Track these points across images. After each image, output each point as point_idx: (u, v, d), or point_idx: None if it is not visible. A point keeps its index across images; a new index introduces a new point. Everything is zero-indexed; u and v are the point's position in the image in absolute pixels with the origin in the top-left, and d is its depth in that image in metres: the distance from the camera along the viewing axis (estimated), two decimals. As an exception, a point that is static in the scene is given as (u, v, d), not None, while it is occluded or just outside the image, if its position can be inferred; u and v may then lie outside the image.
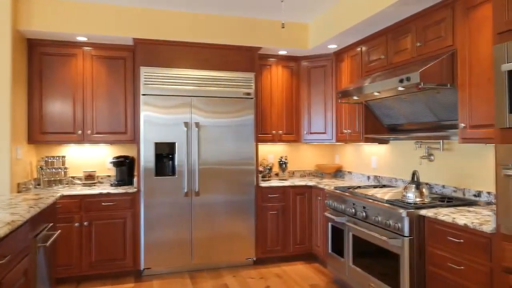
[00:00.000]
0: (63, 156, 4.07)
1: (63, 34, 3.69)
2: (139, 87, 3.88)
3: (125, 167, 4.12)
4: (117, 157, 4.11)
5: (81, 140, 3.95)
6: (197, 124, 4.01)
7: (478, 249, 2.19)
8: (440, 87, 2.70)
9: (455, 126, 2.95)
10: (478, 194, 2.91)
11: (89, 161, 4.27)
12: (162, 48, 3.95)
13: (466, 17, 2.59)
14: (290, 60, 4.59)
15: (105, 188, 3.85)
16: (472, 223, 2.21)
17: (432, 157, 3.39)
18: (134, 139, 4.09)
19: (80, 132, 3.94)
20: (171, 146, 3.96)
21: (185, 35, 3.96)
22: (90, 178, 4.14)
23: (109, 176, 4.32)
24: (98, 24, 3.73)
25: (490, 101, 2.40)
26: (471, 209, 2.64)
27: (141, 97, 3.86)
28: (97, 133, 3.99)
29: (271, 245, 4.23)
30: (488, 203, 2.81)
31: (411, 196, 2.85)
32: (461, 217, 2.36)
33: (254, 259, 4.20)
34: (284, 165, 4.68)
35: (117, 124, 4.05)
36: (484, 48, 2.45)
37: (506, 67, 1.96)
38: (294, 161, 5.00)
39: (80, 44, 3.94)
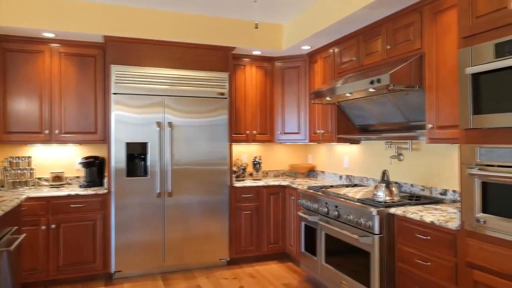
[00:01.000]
0: (29, 157, 3.92)
1: (29, 29, 3.55)
2: (109, 86, 3.79)
3: (95, 168, 4.01)
4: (87, 158, 3.99)
5: (49, 140, 3.81)
6: (170, 124, 3.95)
7: (444, 245, 2.27)
8: (408, 88, 2.78)
9: (423, 127, 3.05)
10: (444, 193, 3.02)
11: (57, 161, 4.13)
12: (134, 46, 3.87)
13: (433, 21, 2.68)
14: (264, 61, 4.60)
15: (74, 190, 3.73)
16: (438, 220, 2.29)
17: (401, 157, 3.48)
18: (105, 139, 3.98)
19: (47, 131, 3.80)
20: (143, 146, 3.89)
21: (157, 33, 3.90)
22: (58, 179, 4.00)
23: (78, 177, 4.19)
24: (66, 20, 3.61)
25: (455, 103, 2.50)
26: (437, 207, 2.74)
27: (112, 96, 3.77)
28: (66, 132, 3.86)
29: (245, 245, 4.23)
30: (454, 201, 2.92)
31: (381, 195, 2.92)
32: (428, 214, 2.44)
33: (228, 259, 4.19)
34: (258, 165, 4.69)
35: (86, 124, 3.93)
36: (450, 52, 2.54)
37: (470, 70, 2.04)
38: (268, 161, 5.01)
39: (47, 41, 3.80)
